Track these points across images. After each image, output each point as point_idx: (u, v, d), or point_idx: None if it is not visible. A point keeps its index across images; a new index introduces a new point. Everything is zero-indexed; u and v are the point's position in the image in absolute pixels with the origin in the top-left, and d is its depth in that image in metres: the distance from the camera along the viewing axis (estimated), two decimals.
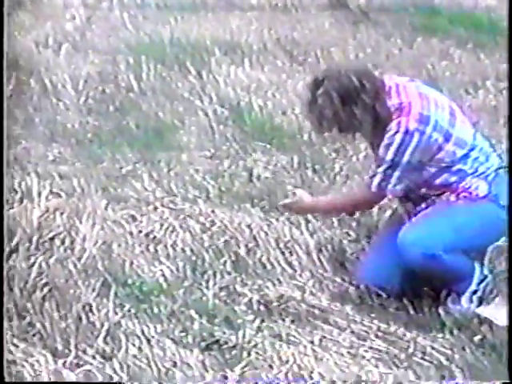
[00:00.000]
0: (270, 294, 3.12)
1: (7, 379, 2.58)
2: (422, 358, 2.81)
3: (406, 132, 2.94)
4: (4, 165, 3.01)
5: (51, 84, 5.00)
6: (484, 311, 3.02)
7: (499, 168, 3.07)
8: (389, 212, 3.46)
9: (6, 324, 2.85)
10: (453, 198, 3.04)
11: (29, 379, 2.60)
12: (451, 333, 2.93)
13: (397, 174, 3.00)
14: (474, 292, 3.09)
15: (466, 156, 3.01)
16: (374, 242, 3.35)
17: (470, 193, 3.03)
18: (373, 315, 3.01)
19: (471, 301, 3.07)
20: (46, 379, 2.61)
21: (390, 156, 2.98)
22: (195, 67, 5.37)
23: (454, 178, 3.03)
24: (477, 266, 3.11)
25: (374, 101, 2.92)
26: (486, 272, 3.13)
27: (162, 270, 3.26)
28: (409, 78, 3.15)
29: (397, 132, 2.94)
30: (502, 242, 3.15)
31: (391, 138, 2.96)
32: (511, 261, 3.03)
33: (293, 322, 2.98)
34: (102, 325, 2.90)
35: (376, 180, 3.03)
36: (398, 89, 2.99)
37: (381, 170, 3.01)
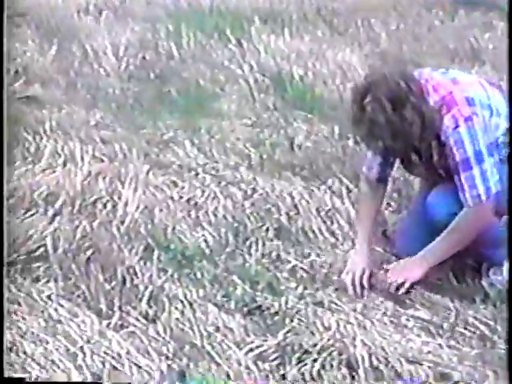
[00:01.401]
0: (312, 262, 3.13)
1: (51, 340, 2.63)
2: (464, 328, 2.81)
3: (466, 120, 2.87)
4: (4, 160, 3.02)
5: (92, 50, 5.01)
6: None
7: None
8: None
9: (51, 284, 2.89)
10: None
11: (76, 338, 2.64)
12: (494, 304, 2.93)
13: (488, 165, 2.88)
14: None
15: (506, 128, 2.98)
16: (410, 210, 3.35)
17: (505, 156, 2.99)
18: (415, 285, 3.01)
19: None
20: (91, 340, 2.65)
21: (470, 151, 2.87)
22: (235, 35, 5.35)
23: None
24: None
25: (420, 102, 2.85)
26: None
27: (203, 236, 3.28)
28: (429, 68, 3.10)
29: (457, 126, 2.87)
30: None
31: (455, 135, 2.87)
32: (511, 259, 3.00)
33: (336, 289, 2.99)
34: (146, 288, 2.93)
35: (480, 186, 2.88)
36: (432, 83, 2.93)
37: (476, 171, 2.87)
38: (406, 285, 2.96)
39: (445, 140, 2.90)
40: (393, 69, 3.17)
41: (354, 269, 3.05)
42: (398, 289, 2.97)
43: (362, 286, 3.01)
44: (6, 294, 2.81)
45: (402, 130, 2.85)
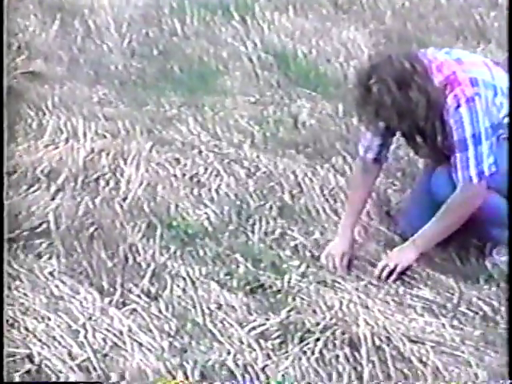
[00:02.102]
0: (315, 240, 3.12)
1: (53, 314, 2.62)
2: (467, 308, 2.81)
3: (467, 101, 2.88)
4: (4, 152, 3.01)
5: (95, 26, 4.98)
6: None
7: None
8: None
9: (54, 261, 2.88)
10: None
11: (77, 315, 2.63)
12: (498, 285, 2.92)
13: (485, 148, 2.89)
14: None
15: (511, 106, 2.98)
16: (414, 190, 3.34)
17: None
18: (419, 264, 3.00)
19: None
20: (93, 316, 2.65)
21: (469, 132, 2.88)
22: (239, 12, 5.31)
23: (501, 131, 2.99)
24: None
25: (425, 82, 2.85)
26: None
27: (206, 213, 3.27)
28: (433, 48, 3.09)
29: (458, 106, 2.88)
30: None
31: (456, 115, 2.88)
32: (511, 258, 2.99)
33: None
34: (148, 265, 2.92)
35: (473, 168, 2.89)
36: (436, 64, 2.93)
37: (471, 153, 2.89)
38: (398, 269, 2.95)
39: (447, 119, 2.90)
40: (397, 49, 3.16)
41: (333, 253, 3.04)
42: (390, 275, 2.95)
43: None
44: (8, 270, 2.81)
45: (407, 109, 2.85)
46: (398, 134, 3.13)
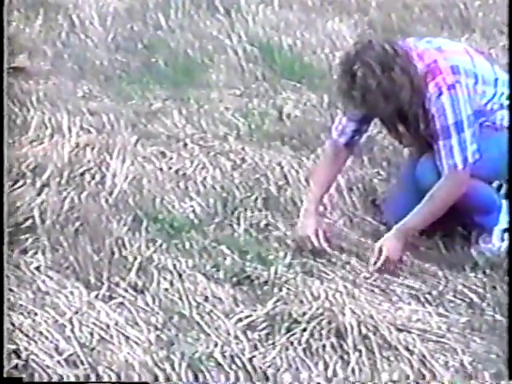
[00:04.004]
0: None
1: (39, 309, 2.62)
2: (453, 296, 2.82)
3: (449, 88, 2.90)
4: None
5: (79, 20, 4.97)
6: None
7: None
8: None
9: (40, 256, 2.88)
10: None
11: (64, 309, 2.63)
12: (483, 272, 2.93)
13: (468, 135, 2.91)
14: (505, 230, 3.08)
15: (494, 94, 3.00)
16: (399, 179, 3.35)
17: (494, 123, 3.02)
18: (405, 253, 3.01)
19: (502, 239, 3.07)
20: (80, 311, 2.65)
21: (451, 120, 2.90)
22: (223, 5, 5.31)
23: (483, 119, 3.01)
24: (505, 202, 3.10)
25: (408, 65, 2.88)
26: None
27: (192, 206, 3.27)
28: (413, 38, 3.11)
29: (440, 94, 2.90)
30: None
31: (438, 102, 2.90)
32: (511, 254, 3.00)
33: (324, 258, 2.99)
34: (135, 259, 2.92)
35: (457, 155, 2.92)
36: (417, 52, 2.95)
37: (454, 141, 2.91)
38: (390, 261, 2.94)
39: (428, 107, 2.91)
40: (377, 37, 3.18)
41: (307, 235, 3.03)
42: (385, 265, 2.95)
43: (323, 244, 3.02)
44: None
45: (392, 92, 2.86)
46: (380, 123, 3.14)
